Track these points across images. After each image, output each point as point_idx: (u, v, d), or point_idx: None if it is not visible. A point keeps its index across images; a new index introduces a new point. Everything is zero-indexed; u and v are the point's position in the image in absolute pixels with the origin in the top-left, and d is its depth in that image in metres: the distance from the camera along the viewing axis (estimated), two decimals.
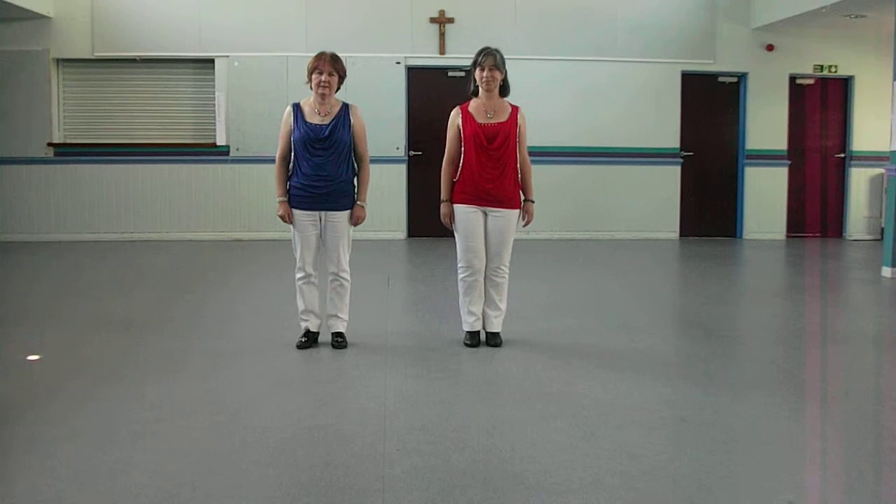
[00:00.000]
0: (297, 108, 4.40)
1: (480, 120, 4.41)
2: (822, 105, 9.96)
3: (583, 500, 2.61)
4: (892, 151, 7.37)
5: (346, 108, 4.41)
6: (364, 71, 8.86)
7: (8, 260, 7.87)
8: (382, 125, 8.80)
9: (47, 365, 4.22)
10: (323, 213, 4.39)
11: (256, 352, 4.42)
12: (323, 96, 4.33)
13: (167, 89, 9.24)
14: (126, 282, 6.77)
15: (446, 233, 4.78)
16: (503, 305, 4.59)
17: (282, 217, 4.42)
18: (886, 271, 7.14)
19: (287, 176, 4.43)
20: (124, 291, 6.28)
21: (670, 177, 9.64)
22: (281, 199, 4.40)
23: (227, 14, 9.03)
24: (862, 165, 9.88)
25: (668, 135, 9.58)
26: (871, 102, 9.68)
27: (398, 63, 9.22)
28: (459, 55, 8.86)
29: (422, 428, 3.25)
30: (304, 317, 4.51)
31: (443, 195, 4.53)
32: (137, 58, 9.07)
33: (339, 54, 4.43)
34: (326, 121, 4.34)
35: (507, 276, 4.56)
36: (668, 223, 9.68)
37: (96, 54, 8.99)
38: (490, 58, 4.37)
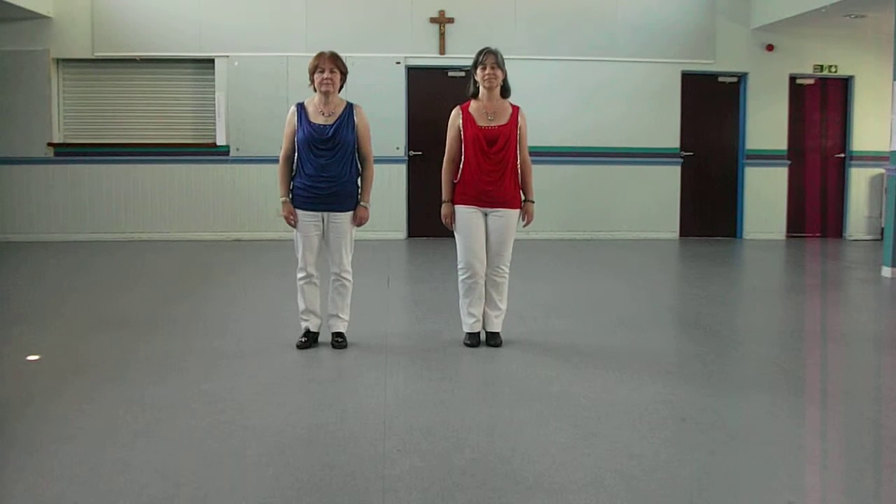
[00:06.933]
0: (300, 108, 4.38)
1: (481, 123, 4.40)
2: (822, 105, 9.96)
3: (583, 500, 2.61)
4: (892, 151, 7.37)
5: (350, 107, 4.40)
6: (364, 71, 8.85)
7: (8, 260, 7.87)
8: (382, 125, 8.78)
9: (47, 365, 4.21)
10: (326, 213, 4.39)
11: (256, 352, 4.42)
12: (326, 94, 4.32)
13: (167, 89, 9.25)
14: (126, 282, 6.77)
15: (446, 233, 4.78)
16: (503, 305, 4.59)
17: (286, 218, 4.41)
18: (886, 271, 7.14)
19: (290, 176, 4.43)
20: (124, 291, 6.28)
21: (670, 177, 9.65)
22: (283, 199, 4.40)
23: (227, 14, 9.03)
24: (862, 165, 9.89)
25: (668, 135, 9.58)
26: (871, 102, 9.69)
27: (398, 63, 9.23)
28: (459, 55, 8.87)
29: (422, 428, 3.25)
30: (304, 317, 4.51)
31: (444, 195, 4.52)
32: (137, 58, 9.07)
33: (340, 54, 4.42)
34: (330, 121, 4.33)
35: (507, 276, 4.56)
36: (668, 223, 9.68)
37: (96, 54, 8.99)
38: (491, 56, 4.37)
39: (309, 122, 4.32)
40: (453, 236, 4.57)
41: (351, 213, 4.43)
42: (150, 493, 2.63)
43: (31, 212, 9.02)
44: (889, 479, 2.81)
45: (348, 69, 4.46)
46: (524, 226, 4.64)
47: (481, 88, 4.41)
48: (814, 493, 2.70)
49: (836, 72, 9.78)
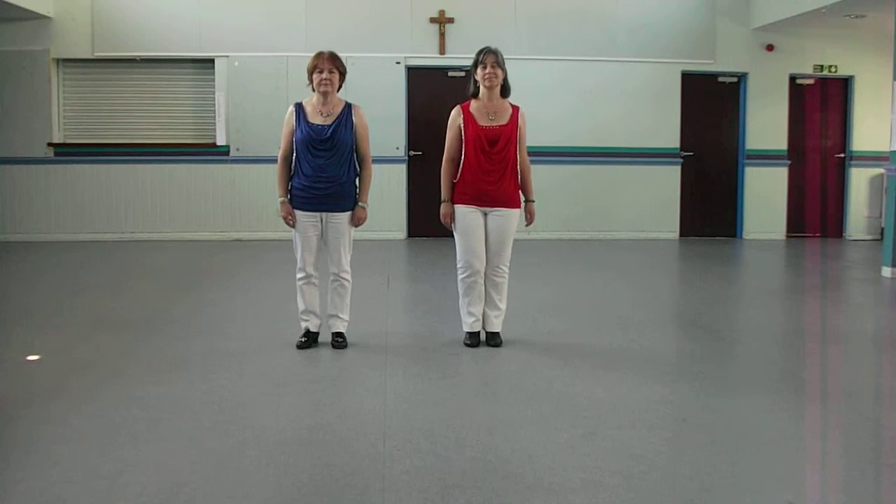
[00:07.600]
0: (299, 108, 4.38)
1: (482, 122, 4.40)
2: (822, 105, 9.96)
3: (583, 500, 2.61)
4: (892, 151, 7.37)
5: (348, 108, 4.40)
6: (364, 71, 8.85)
7: (8, 260, 7.86)
8: (382, 125, 8.78)
9: (47, 365, 4.22)
10: (324, 213, 4.39)
11: (256, 352, 4.42)
12: (325, 94, 4.32)
13: (167, 89, 9.24)
14: (126, 282, 6.77)
15: (446, 233, 4.78)
16: (503, 305, 4.59)
17: (284, 218, 4.41)
18: (886, 271, 7.14)
19: (289, 176, 4.42)
20: (124, 291, 6.28)
21: (670, 177, 9.64)
22: (282, 199, 4.40)
23: (227, 14, 9.03)
24: (862, 165, 9.88)
25: (668, 135, 9.58)
26: (871, 102, 9.69)
27: (398, 63, 9.22)
28: (459, 55, 8.86)
29: (422, 428, 3.25)
30: (304, 317, 4.51)
31: (443, 195, 4.52)
32: (137, 58, 9.07)
33: (339, 54, 4.42)
34: (329, 121, 4.32)
35: (506, 275, 4.56)
36: (668, 223, 9.68)
37: (96, 54, 8.99)
38: (491, 55, 4.37)
39: (307, 123, 4.32)
40: (453, 236, 4.58)
41: (349, 213, 4.43)
42: (150, 493, 2.63)
43: (31, 212, 9.02)
44: (889, 479, 2.81)
45: (348, 69, 4.46)
46: (526, 225, 4.64)
47: (481, 88, 4.41)
48: (814, 493, 2.70)
49: (836, 72, 9.77)
